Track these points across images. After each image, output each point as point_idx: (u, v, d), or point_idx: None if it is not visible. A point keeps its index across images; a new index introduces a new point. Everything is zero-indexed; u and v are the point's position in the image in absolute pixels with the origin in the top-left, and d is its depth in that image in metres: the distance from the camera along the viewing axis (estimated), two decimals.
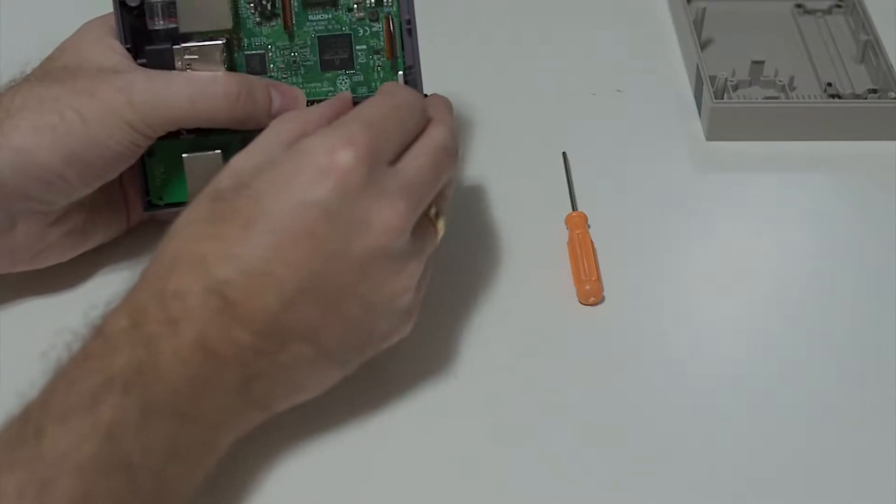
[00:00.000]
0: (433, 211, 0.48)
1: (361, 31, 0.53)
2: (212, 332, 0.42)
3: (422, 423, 0.49)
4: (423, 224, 0.47)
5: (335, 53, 0.53)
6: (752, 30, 0.70)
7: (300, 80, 0.53)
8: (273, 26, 0.53)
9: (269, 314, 0.43)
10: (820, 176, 0.63)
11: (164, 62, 0.51)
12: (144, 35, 0.52)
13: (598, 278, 0.55)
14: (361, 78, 0.54)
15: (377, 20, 0.53)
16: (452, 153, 0.48)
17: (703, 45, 0.68)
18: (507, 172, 0.61)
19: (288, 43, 0.53)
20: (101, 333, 0.42)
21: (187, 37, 0.51)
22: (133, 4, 0.51)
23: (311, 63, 0.53)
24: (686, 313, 0.55)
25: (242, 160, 0.46)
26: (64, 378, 0.41)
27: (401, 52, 0.53)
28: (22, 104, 0.49)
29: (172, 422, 0.41)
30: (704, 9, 0.68)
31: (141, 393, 0.40)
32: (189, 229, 0.44)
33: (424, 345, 0.52)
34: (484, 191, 0.60)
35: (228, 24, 0.51)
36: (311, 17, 0.53)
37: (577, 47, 0.71)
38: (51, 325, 0.52)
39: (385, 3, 0.53)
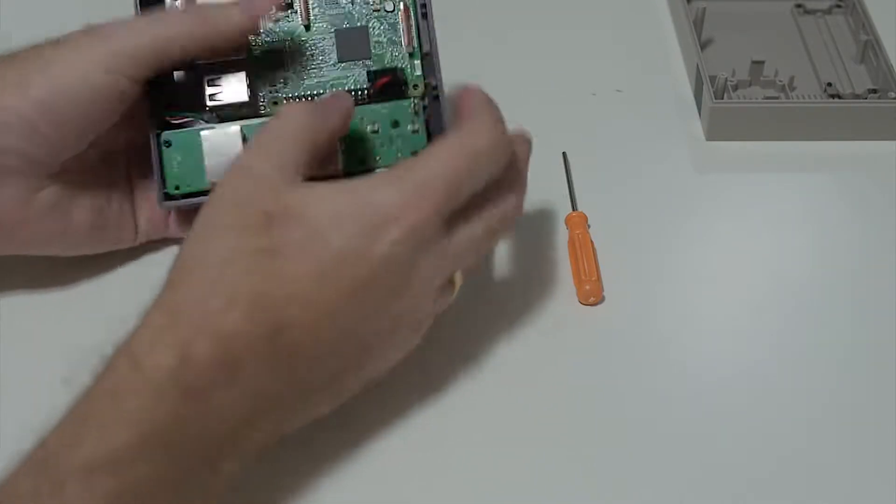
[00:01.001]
0: (457, 285, 0.48)
1: (377, 23, 0.53)
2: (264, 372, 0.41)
3: (420, 423, 0.49)
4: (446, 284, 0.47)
5: (352, 46, 0.53)
6: (752, 30, 0.70)
7: (316, 72, 0.53)
8: (289, 20, 0.53)
9: (319, 347, 0.42)
10: (820, 176, 0.63)
11: None
12: None
13: (598, 278, 0.55)
14: (379, 69, 0.53)
15: (393, 10, 0.53)
16: (513, 223, 0.48)
17: (703, 45, 0.68)
18: None
19: (301, 36, 0.53)
20: (138, 368, 0.39)
21: None
22: None
23: (328, 55, 0.53)
24: (686, 313, 0.55)
25: (263, 161, 0.44)
26: (93, 419, 0.39)
27: (417, 39, 0.53)
28: None
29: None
30: (704, 9, 0.68)
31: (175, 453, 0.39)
32: (242, 262, 0.41)
33: (423, 345, 0.52)
34: None
35: None
36: (328, 12, 0.53)
37: (577, 47, 0.71)
38: (53, 325, 0.53)
39: None
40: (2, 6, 0.71)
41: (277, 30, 0.53)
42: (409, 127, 0.53)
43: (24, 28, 0.55)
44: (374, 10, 0.53)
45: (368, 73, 0.53)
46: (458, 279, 0.47)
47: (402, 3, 0.53)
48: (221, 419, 0.40)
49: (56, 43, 0.49)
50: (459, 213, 0.45)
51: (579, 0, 0.74)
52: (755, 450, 0.49)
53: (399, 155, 0.52)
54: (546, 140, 0.63)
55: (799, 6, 0.72)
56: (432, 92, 0.53)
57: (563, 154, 0.62)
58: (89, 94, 0.48)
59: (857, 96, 0.65)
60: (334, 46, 0.53)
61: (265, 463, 0.46)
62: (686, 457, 0.48)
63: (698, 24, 0.68)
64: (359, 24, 0.53)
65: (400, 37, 0.53)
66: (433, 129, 0.53)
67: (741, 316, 0.55)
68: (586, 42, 0.71)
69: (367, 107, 0.53)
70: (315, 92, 0.53)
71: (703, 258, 0.58)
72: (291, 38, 0.53)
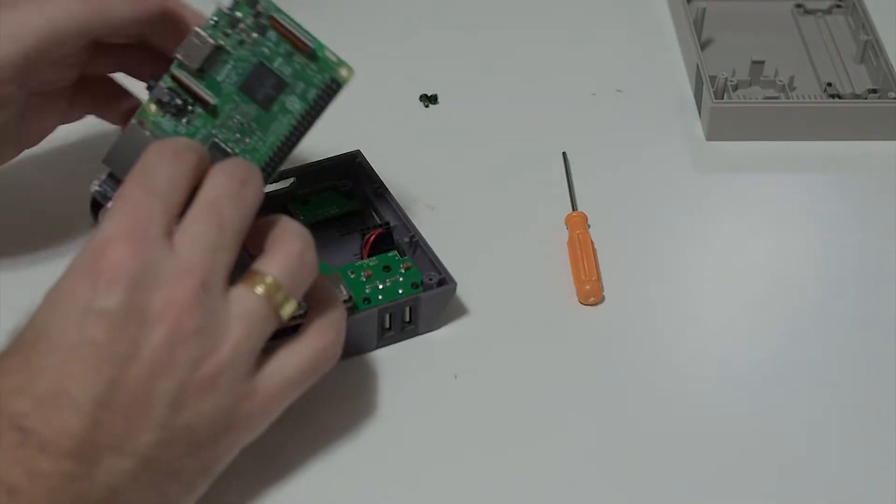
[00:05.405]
0: (267, 282, 0.42)
1: (265, 49, 0.49)
2: (15, 471, 0.38)
3: (421, 424, 0.49)
4: (243, 299, 0.42)
5: (263, 86, 0.49)
6: (752, 30, 0.70)
7: (261, 134, 0.49)
8: (198, 115, 0.49)
9: (72, 434, 0.39)
10: (820, 176, 0.63)
11: None
12: None
13: (598, 278, 0.55)
14: (302, 85, 0.49)
15: (264, 29, 0.49)
16: (235, 199, 0.43)
17: (703, 45, 0.68)
18: (507, 172, 0.61)
19: (218, 119, 0.49)
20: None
21: None
22: None
23: (254, 112, 0.49)
24: (686, 313, 0.55)
25: None
26: None
27: (303, 33, 0.48)
28: None
29: None
30: (704, 9, 0.68)
31: None
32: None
33: (424, 345, 0.52)
34: (484, 191, 0.60)
35: None
36: (217, 78, 0.49)
37: (577, 47, 0.71)
38: None
39: (258, 3, 0.48)
40: None
41: (199, 129, 0.49)
42: (402, 268, 0.53)
43: None
44: (252, 43, 0.48)
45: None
46: (288, 308, 0.43)
47: (269, 18, 0.48)
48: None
49: None
50: (172, 213, 0.42)
51: (579, 0, 0.74)
52: (755, 449, 0.49)
53: (400, 291, 0.52)
54: (546, 140, 0.63)
55: (799, 6, 0.72)
56: (413, 240, 0.54)
57: (563, 154, 0.62)
58: (59, 33, 0.48)
59: (857, 96, 0.65)
60: (252, 101, 0.49)
61: None
62: (686, 456, 0.48)
63: (698, 24, 0.68)
64: (252, 62, 0.48)
65: (292, 48, 0.48)
66: (421, 266, 0.53)
67: (741, 316, 0.55)
68: (586, 42, 0.71)
69: (357, 263, 0.53)
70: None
71: (703, 258, 0.58)
72: (214, 128, 0.49)
